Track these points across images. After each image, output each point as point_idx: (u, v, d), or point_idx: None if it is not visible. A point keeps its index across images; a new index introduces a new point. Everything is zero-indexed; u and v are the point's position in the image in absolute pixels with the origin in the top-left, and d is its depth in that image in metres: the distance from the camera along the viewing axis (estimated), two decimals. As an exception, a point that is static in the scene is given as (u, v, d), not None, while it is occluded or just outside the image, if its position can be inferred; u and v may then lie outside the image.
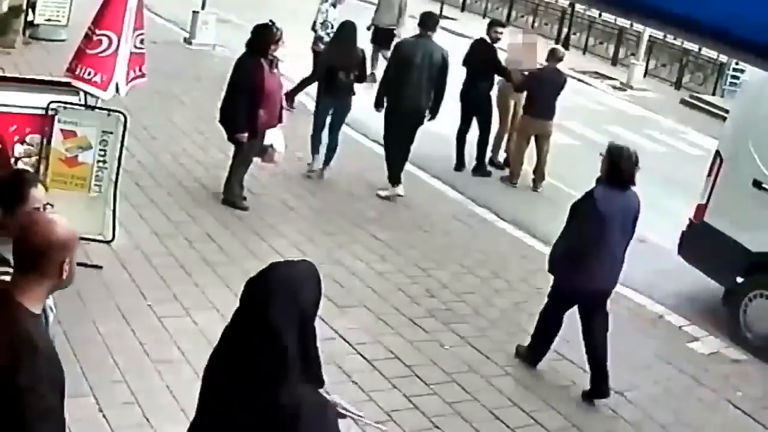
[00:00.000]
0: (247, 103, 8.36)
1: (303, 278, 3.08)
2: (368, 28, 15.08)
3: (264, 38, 8.52)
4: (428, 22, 10.14)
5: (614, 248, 6.57)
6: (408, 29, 13.64)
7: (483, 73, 11.67)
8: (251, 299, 3.12)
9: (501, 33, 11.89)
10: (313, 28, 12.39)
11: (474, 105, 11.77)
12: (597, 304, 6.43)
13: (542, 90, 11.10)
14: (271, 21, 8.78)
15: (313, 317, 3.04)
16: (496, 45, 11.81)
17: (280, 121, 8.94)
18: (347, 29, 9.85)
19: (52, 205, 3.53)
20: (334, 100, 9.82)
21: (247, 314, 3.10)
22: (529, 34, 13.69)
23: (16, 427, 2.88)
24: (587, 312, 6.43)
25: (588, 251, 6.27)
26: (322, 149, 10.01)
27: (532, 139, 11.30)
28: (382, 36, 14.89)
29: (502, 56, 11.93)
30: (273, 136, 8.75)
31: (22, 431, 2.87)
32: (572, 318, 6.46)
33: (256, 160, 8.87)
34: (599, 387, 6.31)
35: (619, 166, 6.83)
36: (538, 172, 11.34)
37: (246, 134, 8.46)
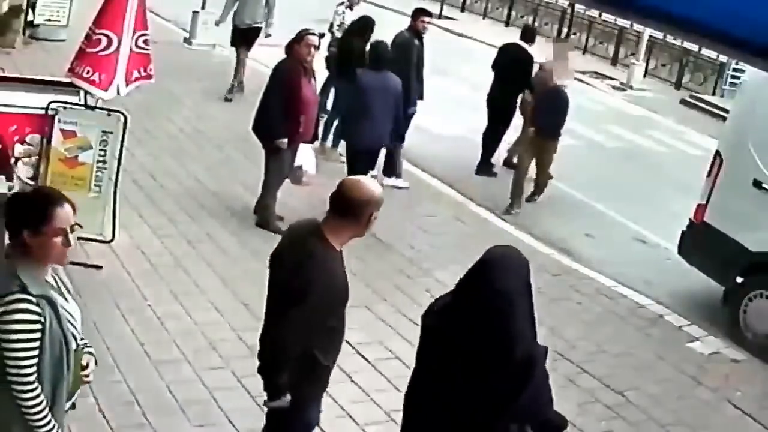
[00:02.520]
0: (284, 109, 8.06)
1: (522, 257, 3.68)
2: (217, 24, 13.49)
3: (291, 40, 8.27)
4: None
5: (377, 115, 8.42)
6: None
7: (511, 77, 11.26)
8: (488, 268, 3.61)
9: (533, 43, 11.67)
10: (330, 30, 12.39)
11: (498, 109, 11.45)
12: (368, 159, 8.53)
13: (549, 109, 10.40)
14: (310, 29, 8.44)
15: (531, 288, 3.56)
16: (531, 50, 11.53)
17: (315, 137, 8.65)
18: (362, 24, 10.57)
19: (81, 226, 3.36)
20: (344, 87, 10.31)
21: (482, 284, 3.55)
22: (559, 45, 12.22)
23: (303, 336, 3.79)
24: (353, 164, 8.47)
25: (356, 117, 8.29)
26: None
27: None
28: (243, 36, 12.76)
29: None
30: (304, 156, 8.36)
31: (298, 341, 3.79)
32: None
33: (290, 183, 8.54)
34: None
35: (379, 55, 8.83)
36: (538, 185, 10.77)
37: (286, 140, 8.09)
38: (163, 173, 9.29)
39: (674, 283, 8.85)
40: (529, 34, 11.65)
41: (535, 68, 11.41)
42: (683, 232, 8.55)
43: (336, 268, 3.92)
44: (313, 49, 8.23)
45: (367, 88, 8.65)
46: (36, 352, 3.18)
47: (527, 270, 3.59)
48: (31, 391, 3.21)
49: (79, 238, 7.27)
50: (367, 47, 10.53)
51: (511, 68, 11.27)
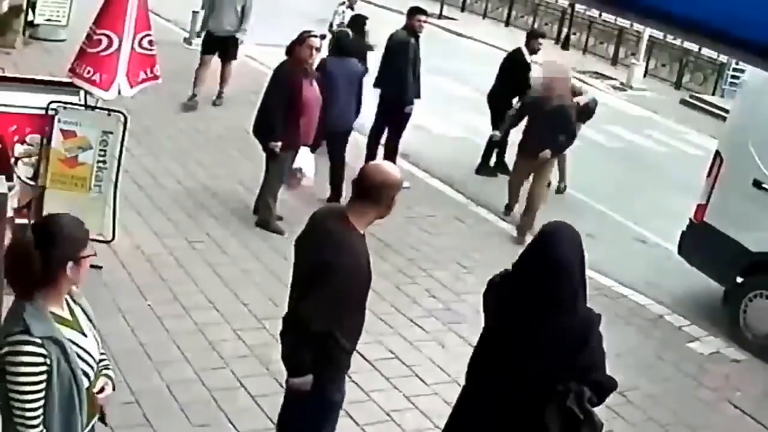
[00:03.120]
0: (284, 111, 8.03)
1: (574, 229, 3.96)
2: (198, 35, 12.76)
3: (292, 42, 8.25)
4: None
5: (343, 98, 8.87)
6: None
7: (512, 84, 11.10)
8: (546, 238, 3.94)
9: (541, 44, 11.46)
10: (330, 30, 12.39)
11: (496, 111, 11.23)
12: (340, 140, 9.10)
13: (541, 122, 9.39)
14: (311, 31, 8.37)
15: (584, 258, 3.90)
16: (534, 57, 11.35)
17: (317, 142, 8.54)
18: (358, 23, 10.78)
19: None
20: None
21: (541, 252, 3.90)
22: (558, 67, 11.03)
23: (325, 315, 3.95)
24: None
25: (327, 102, 8.56)
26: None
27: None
28: (221, 44, 11.89)
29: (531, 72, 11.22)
30: (303, 159, 8.28)
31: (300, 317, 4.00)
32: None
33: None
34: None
35: (340, 43, 9.36)
36: (525, 218, 9.50)
37: (280, 143, 8.08)
38: (163, 173, 9.29)
39: (674, 283, 8.85)
40: (530, 45, 11.39)
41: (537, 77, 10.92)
42: (683, 232, 8.55)
43: (359, 250, 4.06)
44: (314, 51, 8.18)
45: (333, 74, 8.85)
46: (41, 395, 3.11)
47: (580, 240, 3.93)
48: (34, 429, 3.14)
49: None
50: (368, 40, 10.66)
51: (509, 71, 11.24)
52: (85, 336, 3.31)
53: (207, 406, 5.44)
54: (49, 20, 13.08)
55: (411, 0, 11.63)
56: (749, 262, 7.83)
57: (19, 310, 3.12)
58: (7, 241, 4.68)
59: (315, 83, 8.37)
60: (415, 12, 10.22)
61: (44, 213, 7.05)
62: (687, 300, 8.62)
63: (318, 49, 8.32)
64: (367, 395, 5.87)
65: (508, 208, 10.18)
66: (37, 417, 3.13)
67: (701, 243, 8.34)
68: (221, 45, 11.88)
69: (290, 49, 8.26)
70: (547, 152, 9.36)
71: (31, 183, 7.05)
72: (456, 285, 7.95)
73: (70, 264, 3.15)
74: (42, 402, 3.12)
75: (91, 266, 6.84)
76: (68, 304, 3.31)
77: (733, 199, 8.08)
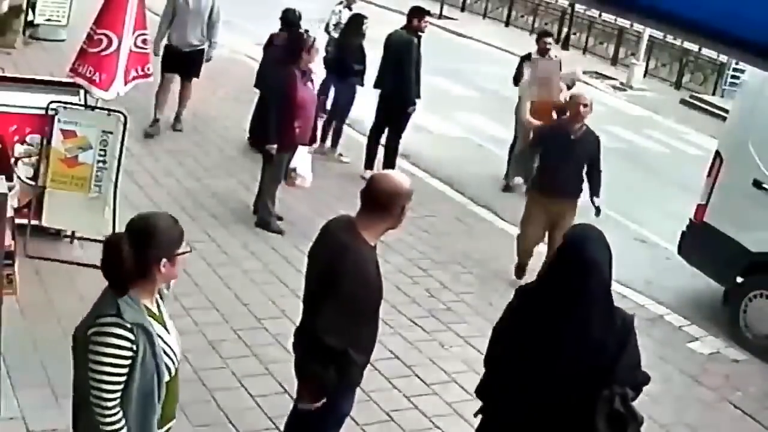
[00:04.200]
0: (279, 114, 8.03)
1: (598, 229, 3.94)
2: (156, 54, 9.64)
3: (295, 47, 8.19)
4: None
5: None
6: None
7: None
8: (575, 240, 3.91)
9: (550, 44, 11.14)
10: (326, 30, 12.40)
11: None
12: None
13: (557, 153, 7.76)
14: (305, 30, 8.38)
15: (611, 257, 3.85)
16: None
17: (313, 140, 8.52)
18: (357, 22, 10.73)
19: (189, 251, 3.31)
20: (343, 86, 10.67)
21: (572, 255, 3.84)
22: (546, 64, 10.70)
23: (337, 329, 3.89)
24: None
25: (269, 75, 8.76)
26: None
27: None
28: (184, 60, 10.42)
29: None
30: (299, 159, 8.21)
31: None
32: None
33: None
34: None
35: (287, 18, 10.05)
36: None
37: (275, 146, 8.09)
38: (163, 173, 9.29)
39: (674, 283, 8.85)
40: (538, 45, 11.07)
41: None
42: (683, 232, 8.55)
43: (368, 265, 3.97)
44: (307, 53, 8.11)
45: (281, 47, 9.42)
46: (122, 379, 3.12)
47: (606, 240, 3.88)
48: (111, 416, 3.15)
49: (79, 238, 7.32)
50: (364, 42, 10.64)
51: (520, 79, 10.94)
52: (168, 333, 3.35)
53: (207, 406, 5.44)
54: (49, 20, 13.08)
55: (411, 0, 11.63)
56: (749, 262, 7.83)
57: (114, 296, 3.17)
58: (7, 241, 4.69)
59: (311, 83, 8.38)
60: (420, 13, 10.23)
61: (44, 213, 7.07)
62: (687, 300, 8.62)
63: (312, 48, 8.28)
64: (367, 395, 5.86)
65: (520, 269, 8.10)
66: (115, 402, 3.13)
67: (701, 243, 8.33)
68: (184, 61, 10.43)
69: (283, 50, 8.29)
70: (598, 203, 7.85)
71: (31, 183, 7.05)
72: (456, 285, 7.95)
73: (163, 261, 3.19)
74: (121, 387, 3.13)
75: (92, 266, 6.87)
76: (156, 301, 3.36)
77: (733, 199, 8.08)
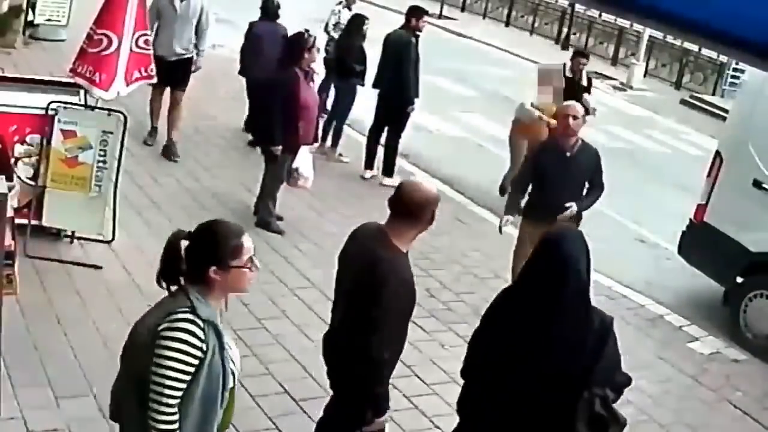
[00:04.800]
0: (282, 116, 7.98)
1: (577, 229, 4.07)
2: None
3: (295, 47, 8.14)
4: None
5: (269, 53, 9.40)
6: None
7: None
8: (550, 238, 3.88)
9: (585, 64, 10.87)
10: (326, 30, 12.40)
11: None
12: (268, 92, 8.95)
13: (552, 173, 7.00)
14: (306, 30, 8.31)
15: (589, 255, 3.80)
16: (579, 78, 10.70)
17: (315, 140, 8.51)
18: (358, 23, 10.75)
19: (253, 261, 3.23)
20: (343, 86, 10.72)
21: (546, 253, 3.80)
22: (546, 68, 10.38)
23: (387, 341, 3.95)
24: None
25: (249, 60, 9.91)
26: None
27: None
28: (172, 70, 9.54)
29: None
30: (300, 159, 8.21)
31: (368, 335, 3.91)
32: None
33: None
34: None
35: (267, 8, 10.28)
36: None
37: (280, 147, 8.08)
38: (163, 173, 9.29)
39: (674, 283, 8.85)
40: (573, 63, 10.77)
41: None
42: (683, 232, 8.55)
43: (406, 273, 4.02)
44: (308, 53, 8.08)
45: (261, 34, 10.18)
46: (188, 378, 3.02)
47: (584, 239, 3.85)
48: (168, 414, 3.03)
49: (78, 238, 7.32)
50: (364, 43, 10.64)
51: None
52: (231, 348, 3.29)
53: (207, 406, 5.43)
54: (49, 20, 13.08)
55: (411, 0, 11.62)
56: (749, 262, 7.83)
57: (184, 293, 3.11)
58: (7, 241, 4.68)
59: (312, 84, 8.36)
60: (418, 12, 10.22)
61: (44, 213, 7.07)
62: (687, 300, 8.62)
63: (313, 48, 8.25)
64: (367, 395, 5.87)
65: None
66: (174, 401, 3.03)
67: (701, 243, 8.34)
68: (171, 72, 9.51)
69: (283, 51, 8.24)
70: (573, 208, 6.95)
71: (31, 183, 7.05)
72: (456, 285, 7.95)
73: (213, 268, 3.12)
74: (184, 387, 3.03)
75: (91, 266, 6.89)
76: (221, 313, 3.29)
77: (733, 200, 8.08)
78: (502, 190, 10.29)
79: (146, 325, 3.15)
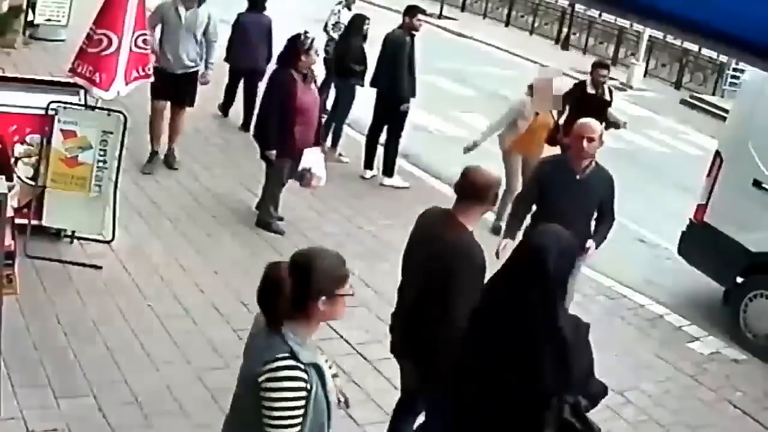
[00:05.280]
0: (277, 120, 7.89)
1: (563, 230, 3.88)
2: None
3: (292, 49, 7.97)
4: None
5: (255, 42, 10.62)
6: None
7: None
8: (530, 234, 4.19)
9: (605, 76, 9.91)
10: (325, 29, 12.40)
11: None
12: (249, 76, 10.50)
13: (558, 196, 6.23)
14: (305, 31, 8.13)
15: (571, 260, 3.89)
16: (601, 91, 9.89)
17: (317, 142, 8.25)
18: (358, 23, 10.76)
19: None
20: (343, 86, 10.75)
21: (522, 247, 3.95)
22: (544, 72, 9.74)
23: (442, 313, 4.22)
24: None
25: (236, 50, 10.64)
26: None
27: None
28: (176, 84, 9.07)
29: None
30: (311, 159, 8.06)
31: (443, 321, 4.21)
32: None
33: (294, 183, 8.32)
34: None
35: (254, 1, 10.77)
36: None
37: (274, 152, 7.99)
38: (163, 173, 9.28)
39: (674, 283, 8.85)
40: (593, 75, 9.95)
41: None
42: (683, 232, 8.55)
43: (475, 249, 4.36)
44: (305, 56, 7.88)
45: (247, 24, 10.80)
46: (299, 420, 3.03)
47: (569, 242, 3.85)
48: None
49: (78, 238, 7.32)
50: (364, 44, 10.64)
51: (576, 109, 9.13)
52: (329, 368, 3.29)
53: (207, 406, 5.43)
54: (49, 20, 13.08)
55: (410, 0, 11.62)
56: (749, 262, 7.83)
57: (282, 338, 3.06)
58: (7, 241, 4.68)
59: (314, 85, 8.28)
60: (411, 11, 10.21)
61: (44, 213, 7.07)
62: (687, 300, 8.62)
63: (317, 53, 8.11)
64: (367, 395, 5.87)
65: None
66: None
67: (701, 243, 8.33)
68: (176, 86, 9.06)
69: (281, 54, 8.11)
70: (592, 247, 6.28)
71: (31, 183, 7.05)
72: (456, 285, 7.93)
73: (323, 299, 3.07)
74: (300, 428, 3.04)
75: (91, 266, 6.89)
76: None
77: (733, 199, 8.08)
78: (496, 230, 8.88)
79: (247, 374, 3.14)
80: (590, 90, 9.88)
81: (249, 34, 10.72)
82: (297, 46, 7.96)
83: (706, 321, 8.13)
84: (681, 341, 7.65)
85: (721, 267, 8.14)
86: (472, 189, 4.44)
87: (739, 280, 7.96)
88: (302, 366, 3.02)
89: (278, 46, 8.83)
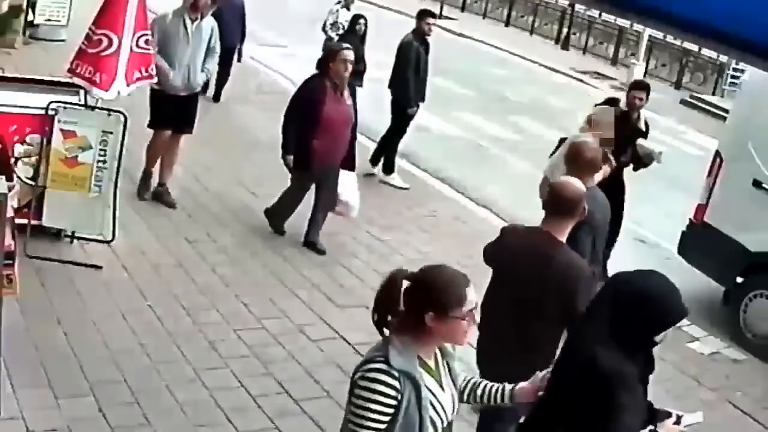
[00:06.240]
0: (297, 127, 7.61)
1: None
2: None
3: (323, 58, 7.76)
4: None
5: (228, 21, 10.73)
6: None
7: (620, 148, 8.10)
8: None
9: (642, 99, 8.39)
10: (324, 29, 12.39)
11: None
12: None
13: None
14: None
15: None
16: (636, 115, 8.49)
17: (347, 164, 7.81)
18: (352, 22, 10.79)
19: (473, 314, 3.05)
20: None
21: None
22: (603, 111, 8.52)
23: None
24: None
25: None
26: None
27: None
28: (177, 108, 8.19)
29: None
30: (345, 185, 7.76)
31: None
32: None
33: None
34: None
35: None
36: None
37: (291, 157, 7.66)
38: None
39: (674, 283, 8.83)
40: (628, 97, 8.57)
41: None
42: (683, 232, 8.55)
43: (576, 257, 4.50)
44: (348, 65, 7.53)
45: (222, 7, 10.48)
46: (381, 426, 2.97)
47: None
48: None
49: (79, 238, 7.32)
50: (362, 44, 10.67)
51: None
52: (443, 390, 3.17)
53: (207, 406, 5.44)
54: (49, 20, 13.08)
55: (410, 0, 11.62)
56: (749, 262, 7.83)
57: (385, 342, 3.04)
58: (7, 241, 4.68)
59: (347, 99, 7.69)
60: (421, 15, 10.25)
61: (44, 213, 7.07)
62: (687, 300, 8.52)
63: (352, 62, 7.64)
64: (367, 395, 5.87)
65: None
66: None
67: (701, 243, 8.33)
68: (180, 110, 8.20)
69: (323, 65, 7.65)
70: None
71: (31, 183, 7.05)
72: (456, 285, 7.93)
73: (430, 314, 2.99)
74: None
75: (91, 266, 6.88)
76: (436, 357, 3.18)
77: (733, 199, 8.08)
78: None
79: (354, 373, 3.12)
80: (623, 107, 8.56)
81: (223, 15, 10.29)
82: (326, 55, 7.72)
83: (706, 321, 8.13)
84: (681, 341, 7.65)
85: (721, 267, 8.14)
86: (564, 204, 4.51)
87: (739, 280, 7.96)
88: (394, 373, 2.96)
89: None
